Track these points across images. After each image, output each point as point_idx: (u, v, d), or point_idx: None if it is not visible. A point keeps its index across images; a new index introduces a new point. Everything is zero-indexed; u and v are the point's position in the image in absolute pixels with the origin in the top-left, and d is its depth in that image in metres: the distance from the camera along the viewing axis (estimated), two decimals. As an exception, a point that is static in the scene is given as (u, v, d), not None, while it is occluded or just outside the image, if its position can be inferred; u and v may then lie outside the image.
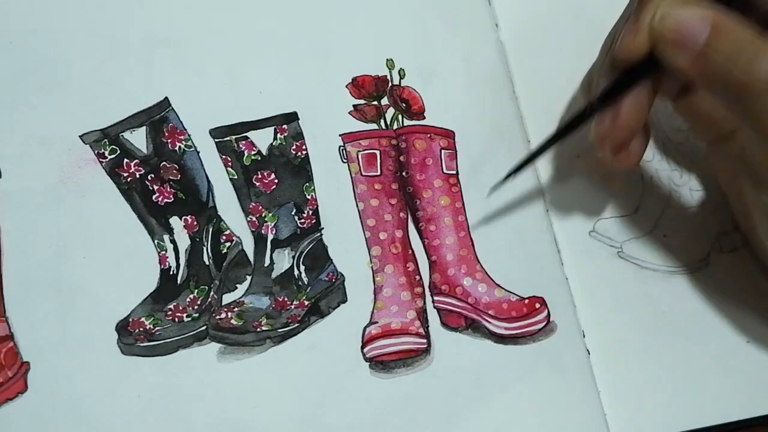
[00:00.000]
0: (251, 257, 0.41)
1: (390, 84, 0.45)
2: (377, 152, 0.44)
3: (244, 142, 0.42)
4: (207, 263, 0.41)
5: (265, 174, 0.42)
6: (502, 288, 0.43)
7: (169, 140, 0.41)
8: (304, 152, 0.43)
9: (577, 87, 0.48)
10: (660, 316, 0.43)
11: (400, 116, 0.45)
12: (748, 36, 0.33)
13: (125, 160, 0.40)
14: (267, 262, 0.41)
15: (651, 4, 0.35)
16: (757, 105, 0.33)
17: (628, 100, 0.37)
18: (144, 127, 0.41)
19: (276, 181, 0.42)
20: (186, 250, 0.40)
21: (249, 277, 0.41)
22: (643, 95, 0.38)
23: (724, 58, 0.33)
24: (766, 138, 0.33)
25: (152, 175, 0.40)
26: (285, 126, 0.43)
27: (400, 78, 0.45)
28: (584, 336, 0.42)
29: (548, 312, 0.42)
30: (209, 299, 0.40)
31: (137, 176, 0.40)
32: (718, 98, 0.35)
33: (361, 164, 0.43)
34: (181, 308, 0.39)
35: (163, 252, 0.40)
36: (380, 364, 0.40)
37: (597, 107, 0.39)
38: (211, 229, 0.41)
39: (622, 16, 0.41)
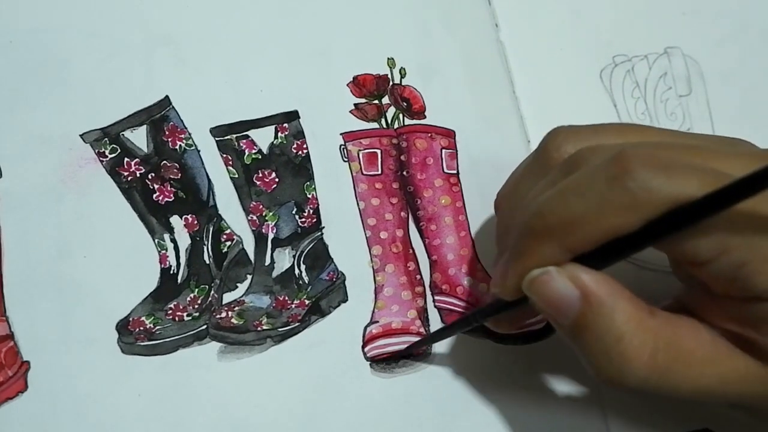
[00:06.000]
0: (252, 256, 0.41)
1: (391, 83, 0.45)
2: (378, 151, 0.44)
3: (244, 140, 0.42)
4: (207, 262, 0.41)
5: (266, 173, 0.42)
6: (503, 287, 0.43)
7: (169, 139, 0.41)
8: (304, 151, 0.43)
9: (576, 87, 0.48)
10: (660, 316, 0.43)
11: (401, 115, 0.45)
12: (622, 319, 0.30)
13: (125, 159, 0.40)
14: (267, 261, 0.41)
15: (525, 258, 0.31)
16: None
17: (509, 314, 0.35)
18: (144, 126, 0.41)
19: (277, 180, 0.42)
20: (186, 249, 0.40)
21: (249, 277, 0.41)
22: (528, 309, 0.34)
23: (595, 339, 0.30)
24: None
25: (153, 174, 0.40)
26: (286, 125, 0.43)
27: (401, 77, 0.45)
28: (585, 335, 0.42)
29: (549, 311, 0.42)
30: (210, 298, 0.40)
31: (138, 175, 0.40)
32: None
33: (362, 163, 0.43)
34: (181, 307, 0.39)
35: (164, 251, 0.40)
36: (381, 363, 0.40)
37: (478, 321, 0.36)
38: (211, 228, 0.41)
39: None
